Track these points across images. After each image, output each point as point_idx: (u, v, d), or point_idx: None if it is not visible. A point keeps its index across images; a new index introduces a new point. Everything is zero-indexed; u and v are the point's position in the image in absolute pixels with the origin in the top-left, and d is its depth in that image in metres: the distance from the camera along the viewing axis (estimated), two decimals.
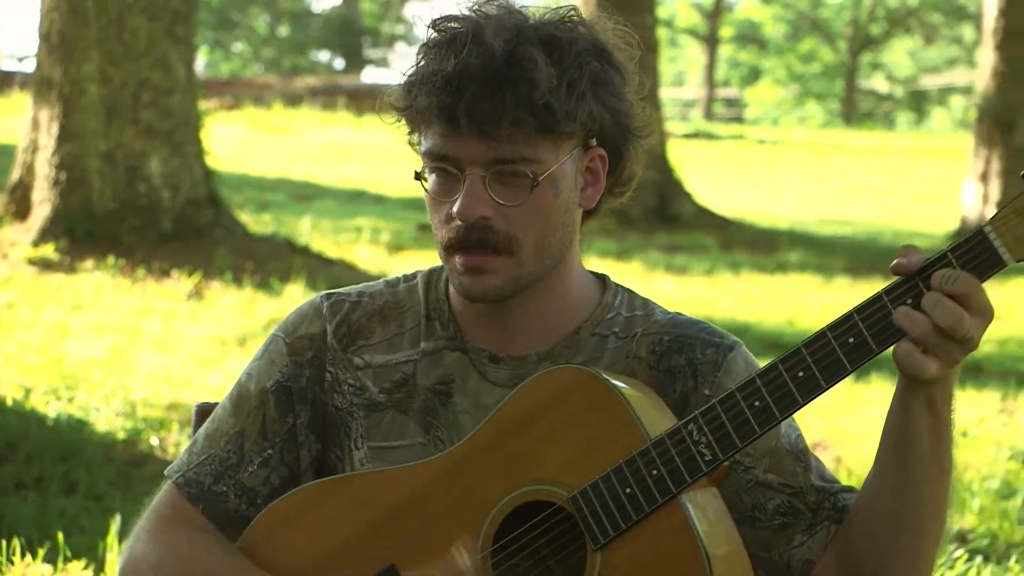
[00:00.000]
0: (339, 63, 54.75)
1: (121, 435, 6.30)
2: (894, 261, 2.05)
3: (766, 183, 20.40)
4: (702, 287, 11.81)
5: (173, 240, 10.57)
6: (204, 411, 2.49)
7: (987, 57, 14.82)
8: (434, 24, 2.24)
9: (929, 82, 58.13)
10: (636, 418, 2.13)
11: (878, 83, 57.34)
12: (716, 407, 2.10)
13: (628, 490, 2.11)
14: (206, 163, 11.02)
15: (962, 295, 2.01)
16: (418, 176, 2.24)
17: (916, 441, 2.13)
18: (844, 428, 7.11)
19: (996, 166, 14.47)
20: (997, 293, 12.68)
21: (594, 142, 2.24)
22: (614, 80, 2.24)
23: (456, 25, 2.21)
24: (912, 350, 2.03)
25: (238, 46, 54.92)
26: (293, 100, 28.78)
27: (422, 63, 2.20)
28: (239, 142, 21.25)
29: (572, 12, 2.25)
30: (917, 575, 2.21)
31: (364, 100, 29.02)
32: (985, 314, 2.02)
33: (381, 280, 2.41)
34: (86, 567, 4.64)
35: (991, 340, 9.79)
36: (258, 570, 2.26)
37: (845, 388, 7.88)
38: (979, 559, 5.14)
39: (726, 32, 52.05)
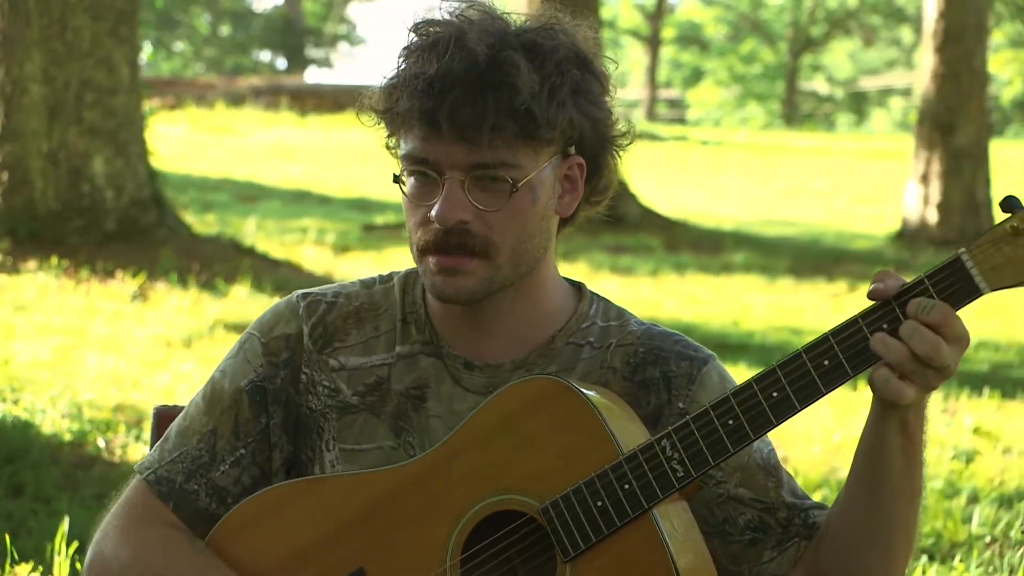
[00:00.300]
0: (281, 63, 54.54)
1: (68, 437, 6.26)
2: (871, 286, 2.06)
3: (710, 184, 20.49)
4: (647, 288, 11.85)
5: (117, 241, 10.50)
6: (162, 414, 2.49)
7: (927, 60, 14.95)
8: (416, 27, 2.23)
9: (869, 84, 58.53)
10: (609, 431, 2.13)
11: (818, 84, 57.67)
12: (690, 424, 2.10)
13: (599, 503, 2.11)
14: (150, 163, 10.97)
15: (938, 324, 2.02)
16: (396, 179, 2.24)
17: (889, 462, 2.14)
18: (791, 429, 7.16)
19: (936, 168, 14.59)
20: None
21: (573, 150, 2.24)
22: (594, 88, 2.24)
23: (438, 29, 2.21)
24: (890, 376, 2.04)
25: (179, 45, 54.60)
26: (236, 100, 28.66)
27: (403, 66, 2.20)
28: (181, 142, 21.16)
29: (553, 20, 2.25)
30: None
31: (307, 100, 28.94)
32: (961, 341, 2.04)
33: (357, 280, 2.40)
34: (33, 570, 4.61)
35: None
36: (228, 571, 2.25)
37: None
38: (924, 558, 5.19)
39: (668, 33, 52.21)
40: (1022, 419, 7.72)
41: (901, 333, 2.03)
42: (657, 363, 2.29)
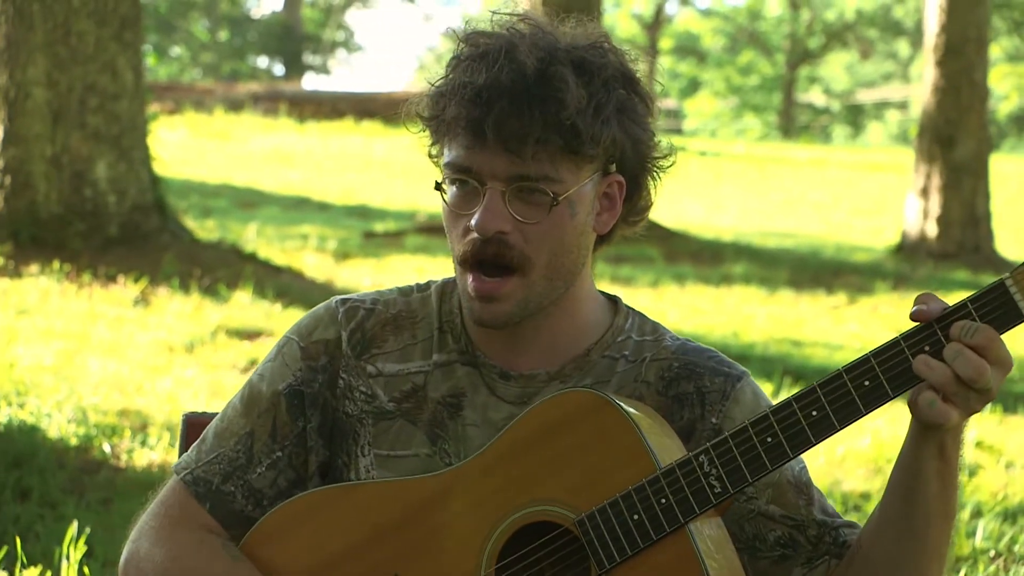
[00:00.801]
0: (279, 69, 54.57)
1: (74, 441, 6.26)
2: (913, 308, 2.08)
3: (708, 195, 20.51)
4: (648, 298, 11.86)
5: (119, 245, 10.50)
6: (192, 421, 2.50)
7: (928, 73, 14.98)
8: (466, 38, 2.25)
9: (865, 96, 58.61)
10: (647, 445, 2.14)
11: (815, 97, 57.74)
12: (728, 441, 2.11)
13: (636, 517, 2.12)
14: (153, 169, 10.96)
15: (982, 347, 2.03)
16: (438, 186, 2.25)
17: (924, 486, 2.15)
18: None
19: (936, 181, 14.61)
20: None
21: (613, 168, 2.25)
22: (639, 109, 2.26)
23: (489, 40, 2.22)
24: (935, 399, 2.05)
25: (176, 50, 54.62)
26: (234, 106, 28.67)
27: (452, 75, 2.22)
28: (181, 147, 21.15)
29: (603, 38, 2.26)
30: None
31: (306, 106, 28.95)
32: (1004, 365, 2.05)
33: (395, 288, 2.42)
34: (42, 573, 4.61)
35: None
36: None
37: None
38: None
39: (665, 44, 52.26)
40: (1023, 434, 7.73)
41: (945, 355, 2.04)
42: (691, 378, 2.30)
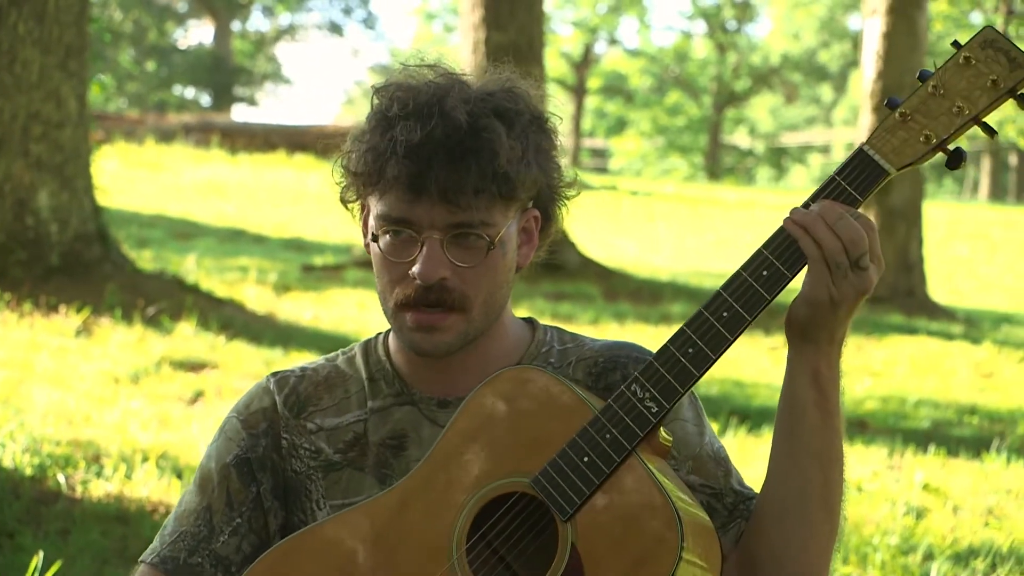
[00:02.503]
0: (206, 100, 54.37)
1: (28, 471, 6.20)
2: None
3: (642, 234, 20.63)
4: (588, 336, 11.89)
5: (61, 275, 10.41)
6: None
7: (864, 119, 15.15)
8: (388, 91, 2.32)
9: (789, 139, 59.22)
10: (581, 396, 2.25)
11: (740, 138, 58.28)
12: (653, 363, 2.22)
13: (586, 459, 2.20)
14: (95, 198, 10.90)
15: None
16: (374, 238, 2.32)
17: (802, 418, 2.27)
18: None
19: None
20: (876, 350, 12.85)
21: (530, 204, 2.37)
22: (548, 146, 2.38)
23: (414, 94, 2.29)
24: (803, 234, 2.22)
25: (101, 77, 54.27)
26: (166, 136, 28.54)
27: (383, 132, 2.28)
28: (113, 177, 21.00)
29: (510, 81, 2.36)
30: (807, 567, 2.30)
31: (238, 138, 28.89)
32: (877, 258, 2.24)
33: (320, 358, 2.52)
34: None
35: (873, 396, 10.02)
36: None
37: (740, 440, 8.02)
38: None
39: (594, 83, 52.59)
40: (966, 477, 7.83)
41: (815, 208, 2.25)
42: (617, 368, 2.43)
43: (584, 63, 50.35)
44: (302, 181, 24.73)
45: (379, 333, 2.49)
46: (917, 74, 2.24)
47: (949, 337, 13.10)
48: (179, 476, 6.31)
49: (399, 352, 2.43)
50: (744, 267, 2.24)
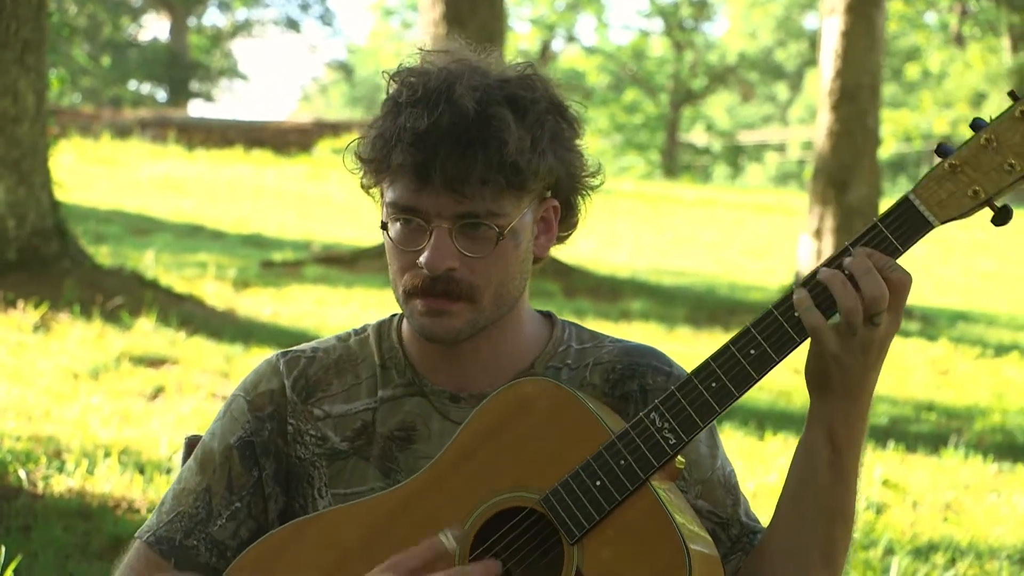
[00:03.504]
0: (162, 95, 54.12)
1: None
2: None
3: (601, 231, 20.66)
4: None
5: (18, 270, 10.34)
6: (192, 444, 2.50)
7: (823, 117, 15.20)
8: (400, 78, 2.30)
9: (746, 138, 59.41)
10: (599, 417, 2.21)
11: (697, 136, 58.42)
12: (675, 394, 2.19)
13: (598, 483, 2.18)
14: (53, 193, 10.83)
15: (881, 266, 2.17)
16: (384, 226, 2.30)
17: (814, 476, 2.24)
18: None
19: (830, 223, 14.83)
20: None
21: (548, 194, 2.33)
22: (568, 135, 2.34)
23: (426, 80, 2.26)
24: (812, 304, 2.17)
25: (56, 72, 53.92)
26: (122, 131, 28.40)
27: (392, 118, 2.26)
28: (69, 172, 20.85)
29: (529, 68, 2.33)
30: None
31: (195, 134, 28.77)
32: (897, 319, 2.20)
33: (332, 336, 2.48)
34: None
35: None
36: None
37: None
38: None
39: None
40: (924, 472, 7.89)
41: (853, 268, 2.17)
42: (635, 377, 2.39)
43: (541, 60, 50.34)
44: (260, 177, 24.65)
45: (393, 315, 2.44)
46: (971, 122, 2.18)
47: (906, 335, 13.18)
48: (141, 472, 6.29)
49: (412, 341, 2.39)
50: (776, 305, 2.19)
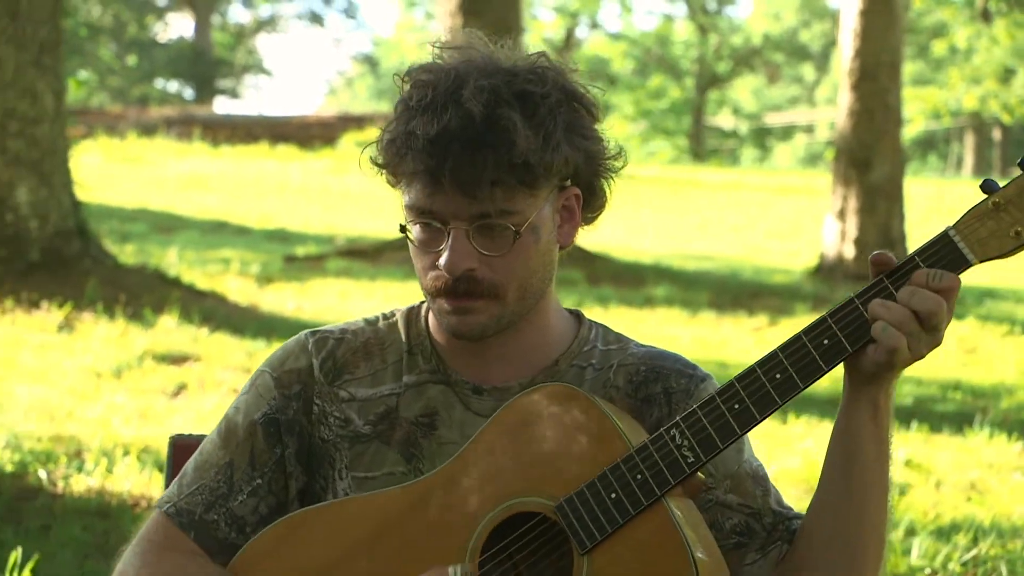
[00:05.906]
0: (188, 93, 54.27)
1: (9, 468, 6.20)
2: (873, 256, 2.18)
3: (625, 217, 20.61)
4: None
5: (41, 271, 10.40)
6: (179, 444, 2.51)
7: (843, 97, 15.15)
8: (411, 78, 2.30)
9: (773, 120, 59.22)
10: (619, 428, 2.21)
11: (724, 120, 58.26)
12: (696, 412, 2.18)
13: (613, 495, 2.18)
14: (74, 193, 10.88)
15: (946, 290, 2.13)
16: (403, 229, 2.31)
17: (861, 452, 2.23)
18: None
19: (853, 204, 14.78)
20: None
21: (568, 183, 2.32)
22: (585, 122, 2.32)
23: (434, 83, 2.26)
24: (887, 325, 2.13)
25: (83, 74, 54.12)
26: (147, 130, 28.49)
27: (404, 123, 2.26)
28: (95, 172, 20.96)
29: (540, 57, 2.32)
30: None
31: (220, 131, 28.83)
32: (949, 317, 2.16)
33: (361, 319, 2.47)
34: None
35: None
36: None
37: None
38: None
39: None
40: (950, 453, 7.86)
41: (900, 296, 2.14)
42: (658, 380, 2.38)
43: (566, 48, 50.26)
44: (285, 172, 24.68)
45: (422, 301, 2.44)
46: (1020, 160, 2.12)
47: None
48: (161, 470, 6.31)
49: (439, 330, 2.40)
50: (806, 331, 2.17)
